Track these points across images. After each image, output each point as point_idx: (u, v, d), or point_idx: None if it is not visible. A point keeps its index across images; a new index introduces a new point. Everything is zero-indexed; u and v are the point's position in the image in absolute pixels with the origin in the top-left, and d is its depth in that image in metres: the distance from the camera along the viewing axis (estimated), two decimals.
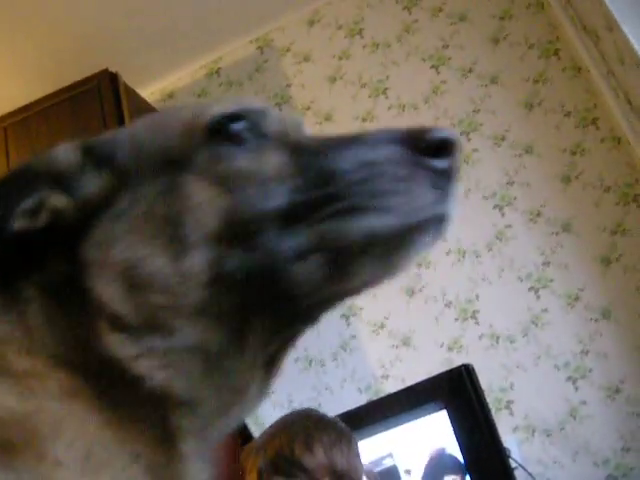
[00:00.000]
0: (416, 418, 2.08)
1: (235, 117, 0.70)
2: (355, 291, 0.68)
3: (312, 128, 3.17)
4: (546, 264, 2.67)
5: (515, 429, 2.53)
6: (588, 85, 2.74)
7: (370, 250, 0.64)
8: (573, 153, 2.72)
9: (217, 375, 0.64)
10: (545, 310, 2.63)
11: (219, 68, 3.39)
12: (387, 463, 2.09)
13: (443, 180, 0.66)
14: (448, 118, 2.95)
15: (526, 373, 2.59)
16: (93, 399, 0.61)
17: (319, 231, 0.63)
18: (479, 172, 2.86)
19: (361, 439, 2.13)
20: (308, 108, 3.21)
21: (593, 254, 2.61)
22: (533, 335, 2.62)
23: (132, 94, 3.07)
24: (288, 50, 3.30)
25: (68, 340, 0.63)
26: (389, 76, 3.12)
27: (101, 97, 2.89)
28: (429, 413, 2.06)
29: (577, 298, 2.59)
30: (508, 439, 2.36)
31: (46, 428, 0.57)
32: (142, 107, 3.13)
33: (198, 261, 0.63)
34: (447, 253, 2.82)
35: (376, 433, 2.13)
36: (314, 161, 0.68)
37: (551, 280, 2.65)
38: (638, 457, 2.39)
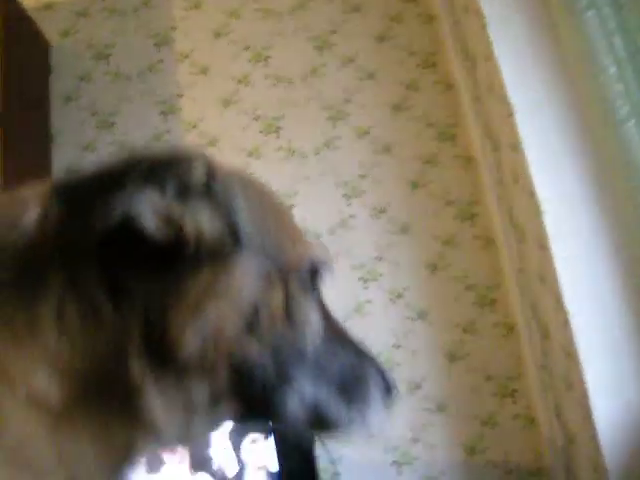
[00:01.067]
0: None
1: (317, 270, 0.84)
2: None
3: (185, 78, 3.15)
4: (379, 259, 2.81)
5: None
6: (455, 103, 2.91)
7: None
8: (427, 162, 2.88)
9: (196, 423, 0.73)
10: (369, 301, 2.77)
11: None
12: None
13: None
14: (320, 100, 3.03)
15: None
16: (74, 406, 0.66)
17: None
18: (336, 159, 2.96)
19: None
20: (187, 56, 3.19)
21: (423, 259, 2.78)
22: (353, 322, 2.74)
23: None
24: None
25: (84, 348, 0.66)
26: (273, 46, 3.15)
27: None
28: None
29: (400, 295, 2.75)
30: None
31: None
32: (14, 12, 2.98)
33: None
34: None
35: None
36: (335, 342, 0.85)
37: (381, 275, 2.80)
38: (423, 449, 2.59)
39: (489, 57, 2.15)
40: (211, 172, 0.71)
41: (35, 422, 0.63)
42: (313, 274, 0.83)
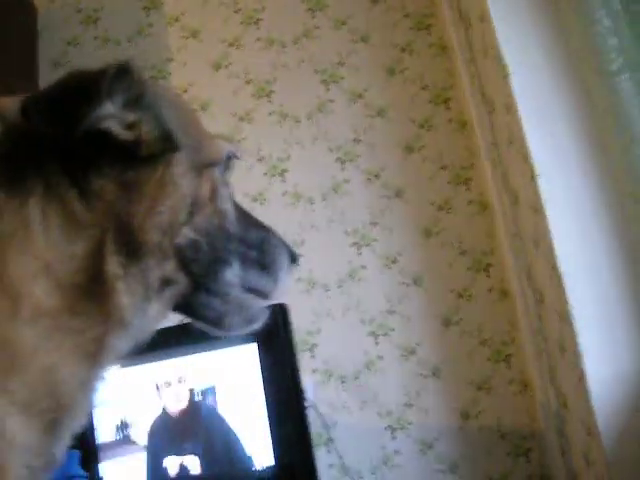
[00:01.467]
0: (226, 346, 2.14)
1: (230, 162, 0.98)
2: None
3: (176, 42, 3.10)
4: (373, 224, 2.79)
5: (314, 371, 2.66)
6: (450, 66, 2.87)
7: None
8: (421, 126, 2.85)
9: (154, 304, 0.85)
10: (364, 267, 2.76)
11: None
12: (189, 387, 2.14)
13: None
14: (312, 63, 2.99)
15: (334, 322, 2.72)
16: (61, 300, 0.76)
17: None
18: (329, 123, 2.93)
19: (168, 358, 2.18)
20: (177, 20, 3.15)
21: (418, 224, 2.76)
22: (347, 288, 2.75)
23: None
24: None
25: (69, 253, 0.77)
26: (265, 7, 3.10)
27: None
28: (240, 343, 2.12)
29: (395, 261, 2.74)
30: (306, 379, 2.49)
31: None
32: None
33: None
34: (283, 194, 2.88)
35: (185, 354, 2.17)
36: (245, 223, 0.98)
37: (374, 240, 2.78)
38: (417, 414, 2.59)
39: (484, 18, 2.11)
40: (144, 84, 0.82)
41: (34, 326, 0.73)
42: (226, 166, 0.96)
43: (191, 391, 2.12)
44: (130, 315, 0.80)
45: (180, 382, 2.13)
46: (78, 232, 0.77)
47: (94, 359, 0.79)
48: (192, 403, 2.12)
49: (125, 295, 0.79)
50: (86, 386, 0.79)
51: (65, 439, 0.78)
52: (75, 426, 0.79)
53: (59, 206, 0.77)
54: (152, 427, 2.14)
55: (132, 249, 0.80)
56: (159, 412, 2.14)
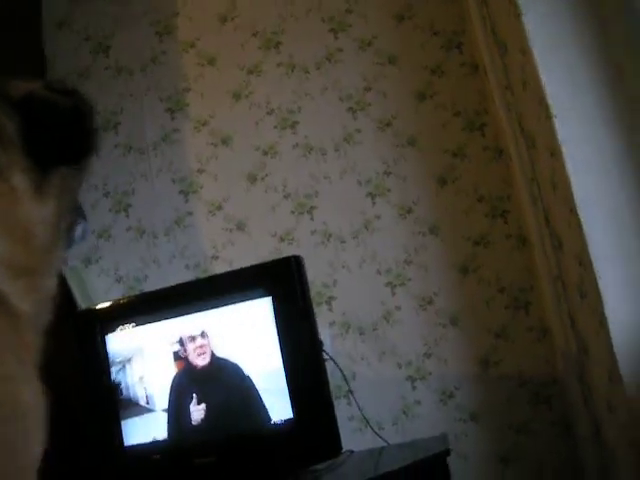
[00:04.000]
0: (241, 301, 2.13)
1: None
2: None
3: (193, 70, 2.99)
4: (387, 174, 2.75)
5: (332, 324, 2.65)
6: (460, 10, 2.79)
7: None
8: (432, 72, 2.78)
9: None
10: (378, 217, 2.73)
11: None
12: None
13: None
14: (320, 12, 2.91)
15: (350, 274, 2.70)
16: None
17: None
18: (339, 73, 2.87)
19: (181, 315, 2.18)
20: (192, 46, 3.02)
21: (432, 172, 2.72)
22: (362, 239, 2.72)
23: None
24: None
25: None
26: (284, 30, 2.96)
27: None
28: (254, 298, 2.11)
29: (410, 210, 2.70)
30: (323, 332, 2.48)
31: None
32: None
33: None
34: (294, 146, 2.84)
35: (199, 311, 2.16)
36: None
37: (389, 190, 2.74)
38: (437, 363, 2.59)
39: None
40: None
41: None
42: None
43: (212, 345, 2.12)
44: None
45: (203, 337, 2.12)
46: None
47: None
48: (215, 357, 2.12)
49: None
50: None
51: None
52: None
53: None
54: (176, 378, 2.15)
55: None
56: (183, 365, 2.14)
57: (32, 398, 0.84)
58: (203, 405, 2.10)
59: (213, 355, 2.11)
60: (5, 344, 0.84)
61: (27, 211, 1.01)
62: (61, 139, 1.09)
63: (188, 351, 2.13)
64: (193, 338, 2.13)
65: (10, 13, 2.82)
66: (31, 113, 1.05)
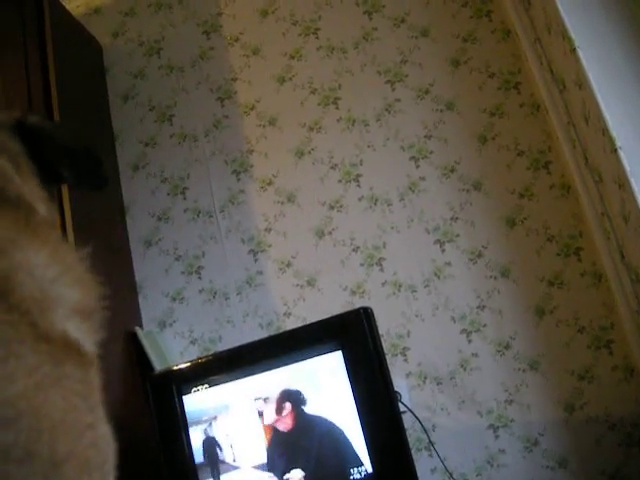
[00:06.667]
0: (312, 356, 2.12)
1: None
2: None
3: (239, 61, 3.12)
4: (454, 219, 2.73)
5: (408, 375, 2.61)
6: (515, 49, 2.78)
7: None
8: (492, 114, 2.77)
9: None
10: (448, 264, 2.69)
11: None
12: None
13: None
14: (375, 65, 2.96)
15: (423, 323, 2.67)
16: None
17: None
18: (399, 122, 2.88)
19: (258, 373, 2.18)
20: (237, 40, 3.16)
21: (499, 214, 2.68)
22: (434, 287, 2.69)
23: (56, 5, 2.94)
24: None
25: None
26: (321, 16, 3.09)
27: (22, 6, 2.72)
28: (325, 352, 2.09)
29: (480, 254, 2.66)
30: (400, 384, 2.44)
31: None
32: (65, 20, 3.01)
33: None
34: (359, 199, 2.85)
35: (273, 368, 2.16)
36: None
37: (457, 235, 2.71)
38: (519, 410, 2.51)
39: None
40: None
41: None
42: None
43: (293, 403, 2.11)
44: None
45: (283, 400, 2.11)
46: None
47: None
48: (299, 415, 2.10)
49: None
50: None
51: None
52: None
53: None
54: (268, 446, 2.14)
55: None
56: (271, 432, 2.13)
57: (107, 444, 0.81)
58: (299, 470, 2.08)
59: (297, 416, 2.10)
60: (81, 391, 0.82)
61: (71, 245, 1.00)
62: (59, 162, 1.10)
63: (270, 415, 2.12)
64: (272, 401, 2.12)
65: (81, 92, 2.94)
66: (30, 138, 1.04)
